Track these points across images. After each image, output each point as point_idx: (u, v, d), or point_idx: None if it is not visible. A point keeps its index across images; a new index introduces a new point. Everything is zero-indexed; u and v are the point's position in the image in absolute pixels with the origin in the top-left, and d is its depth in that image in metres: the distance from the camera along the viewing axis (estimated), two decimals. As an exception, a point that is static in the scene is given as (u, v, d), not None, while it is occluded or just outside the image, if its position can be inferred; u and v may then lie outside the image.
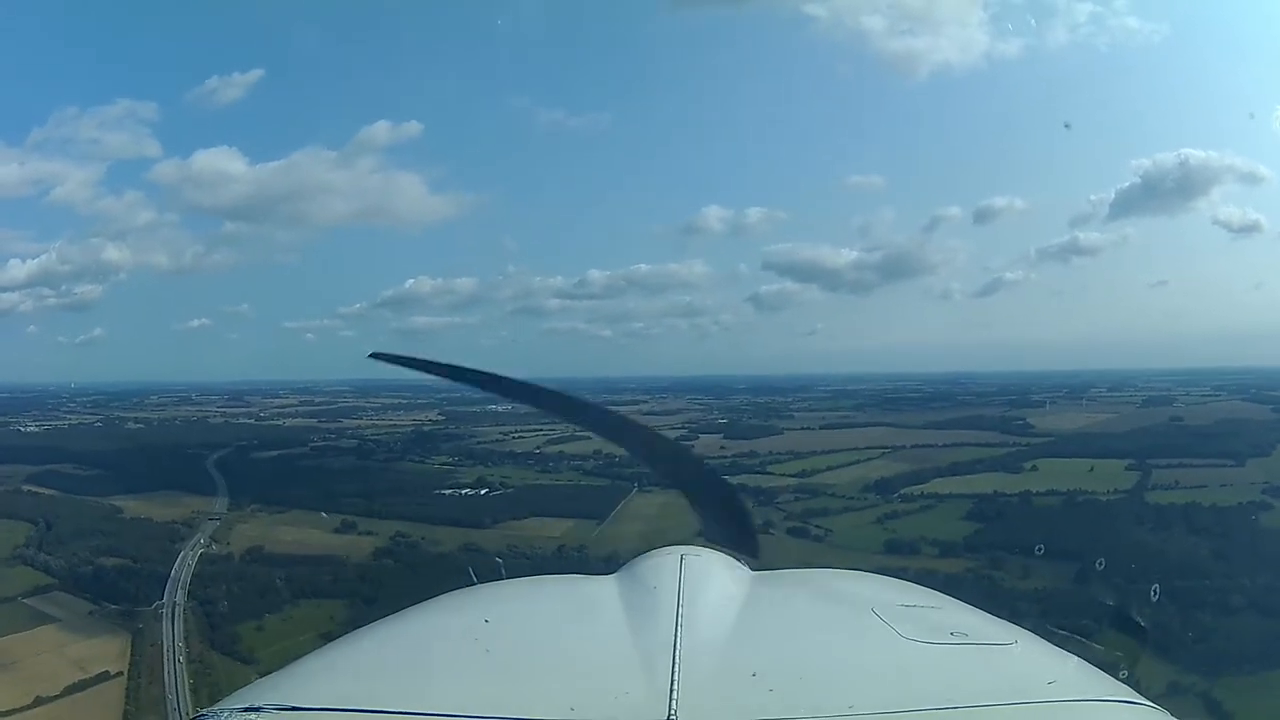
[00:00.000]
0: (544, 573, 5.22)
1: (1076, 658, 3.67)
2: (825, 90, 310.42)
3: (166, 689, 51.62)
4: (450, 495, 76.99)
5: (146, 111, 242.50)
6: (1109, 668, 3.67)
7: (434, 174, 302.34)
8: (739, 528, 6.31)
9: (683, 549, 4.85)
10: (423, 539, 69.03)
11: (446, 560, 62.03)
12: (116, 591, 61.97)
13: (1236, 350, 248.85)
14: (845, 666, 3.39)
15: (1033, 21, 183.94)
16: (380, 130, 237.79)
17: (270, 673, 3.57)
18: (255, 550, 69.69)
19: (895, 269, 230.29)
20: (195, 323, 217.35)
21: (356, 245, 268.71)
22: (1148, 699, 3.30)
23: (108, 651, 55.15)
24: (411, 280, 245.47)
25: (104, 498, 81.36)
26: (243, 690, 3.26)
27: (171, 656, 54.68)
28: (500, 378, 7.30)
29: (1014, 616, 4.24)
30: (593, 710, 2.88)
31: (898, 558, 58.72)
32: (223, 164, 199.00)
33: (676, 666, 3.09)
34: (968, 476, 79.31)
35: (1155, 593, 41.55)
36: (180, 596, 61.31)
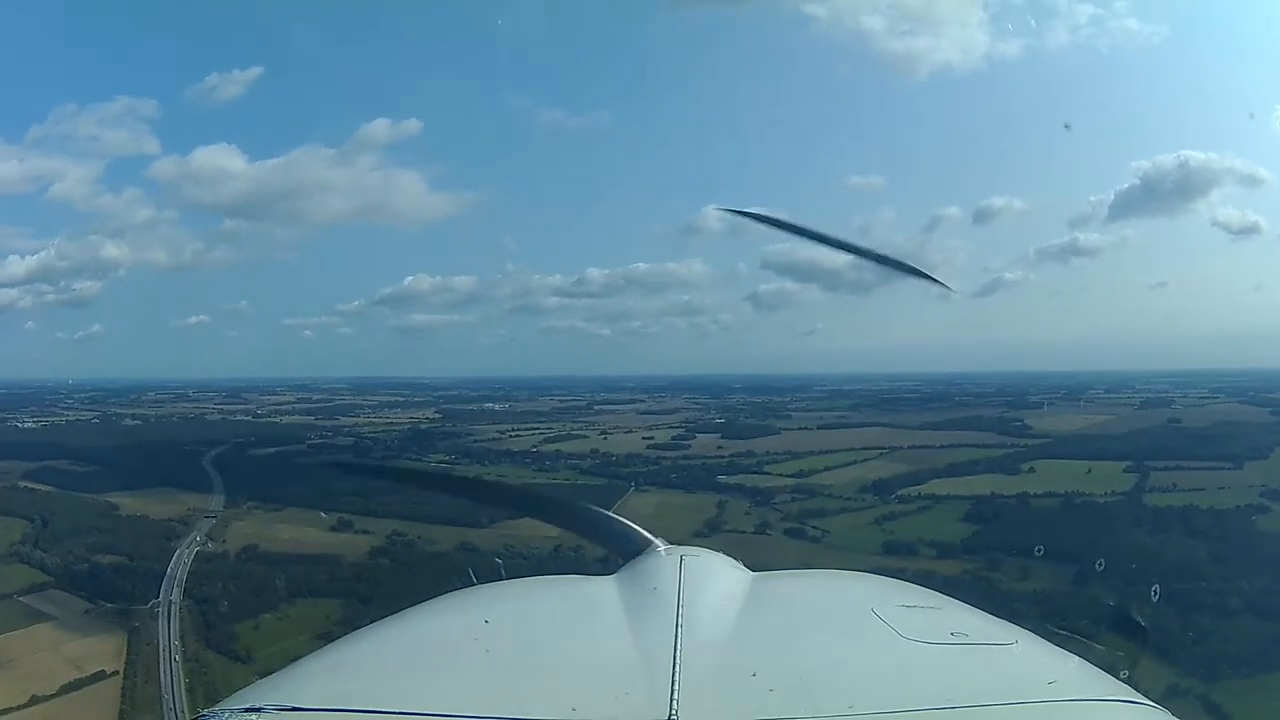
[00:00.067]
0: (540, 573, 5.23)
1: (1077, 658, 3.67)
2: (825, 90, 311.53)
3: (162, 688, 51.49)
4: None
5: (146, 109, 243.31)
6: (1109, 668, 3.66)
7: (433, 172, 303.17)
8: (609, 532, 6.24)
9: (683, 549, 4.89)
10: (419, 538, 68.93)
11: (443, 559, 61.94)
12: (113, 590, 61.81)
13: (1235, 352, 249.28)
14: (845, 666, 3.40)
15: (1033, 22, 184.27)
16: (380, 128, 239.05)
17: (265, 672, 3.59)
18: (251, 548, 69.61)
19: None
20: (194, 319, 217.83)
21: (355, 243, 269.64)
22: (1148, 699, 3.32)
23: (104, 650, 54.98)
24: (410, 278, 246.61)
25: (101, 495, 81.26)
26: (244, 691, 3.27)
27: (167, 655, 54.56)
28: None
29: (1012, 618, 4.23)
30: (593, 710, 2.90)
31: (895, 559, 58.59)
32: (222, 161, 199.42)
33: (677, 667, 3.11)
34: (965, 478, 79.26)
35: (1155, 593, 41.53)
36: (176, 595, 61.17)
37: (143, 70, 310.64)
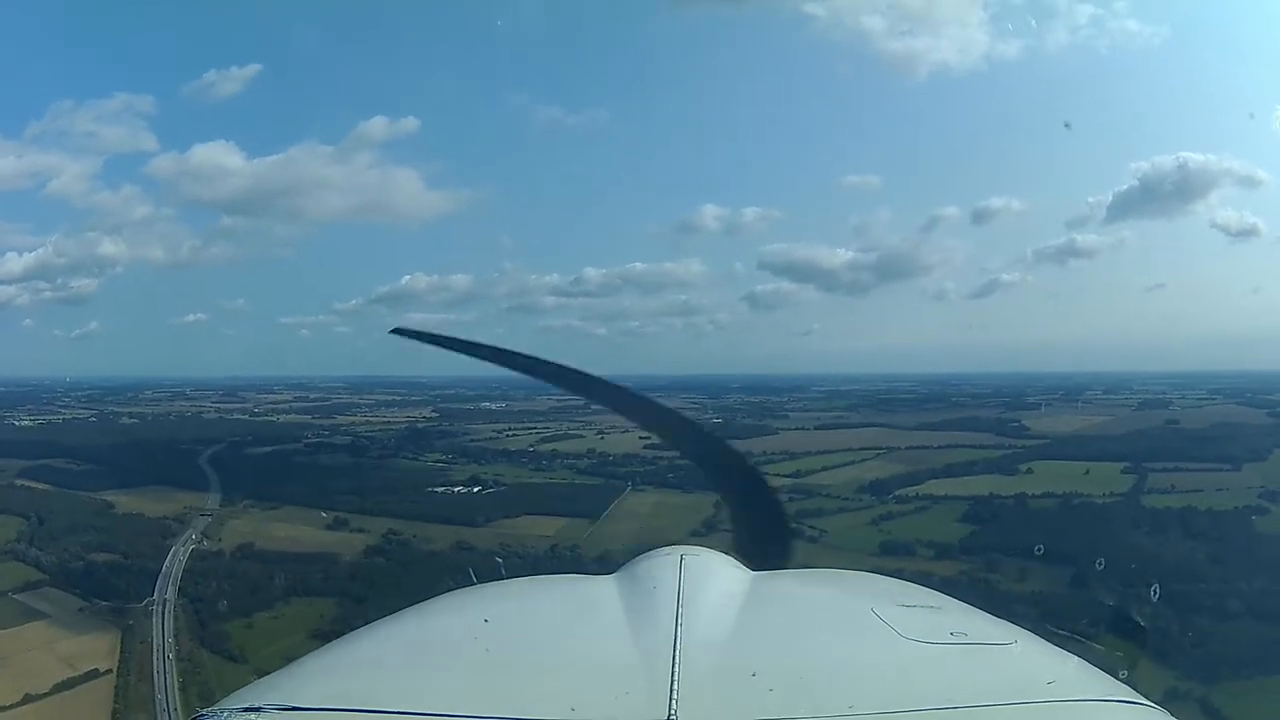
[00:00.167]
0: (536, 572, 5.15)
1: (1076, 658, 3.64)
2: (823, 90, 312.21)
3: (156, 687, 51.39)
4: (443, 493, 76.82)
5: (144, 105, 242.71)
6: (1109, 668, 3.63)
7: (431, 170, 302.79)
8: (772, 533, 6.32)
9: (683, 549, 4.84)
10: (415, 537, 68.92)
11: (439, 558, 61.88)
12: (107, 588, 61.76)
13: (1233, 354, 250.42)
14: (845, 666, 3.39)
15: (1033, 23, 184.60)
16: (377, 125, 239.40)
17: (259, 671, 3.58)
18: (247, 547, 69.52)
19: (891, 269, 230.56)
20: (191, 317, 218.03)
21: (353, 241, 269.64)
22: (1148, 700, 3.30)
23: (98, 649, 54.92)
24: (407, 276, 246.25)
25: (97, 493, 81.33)
26: (243, 690, 3.24)
27: (161, 654, 54.45)
28: (527, 357, 7.05)
29: (1011, 620, 4.17)
30: (593, 710, 2.88)
31: (893, 559, 58.41)
32: (220, 158, 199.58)
33: (676, 666, 3.09)
34: (963, 478, 79.21)
35: (1155, 593, 41.44)
36: (171, 593, 61.10)
37: (141, 67, 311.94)
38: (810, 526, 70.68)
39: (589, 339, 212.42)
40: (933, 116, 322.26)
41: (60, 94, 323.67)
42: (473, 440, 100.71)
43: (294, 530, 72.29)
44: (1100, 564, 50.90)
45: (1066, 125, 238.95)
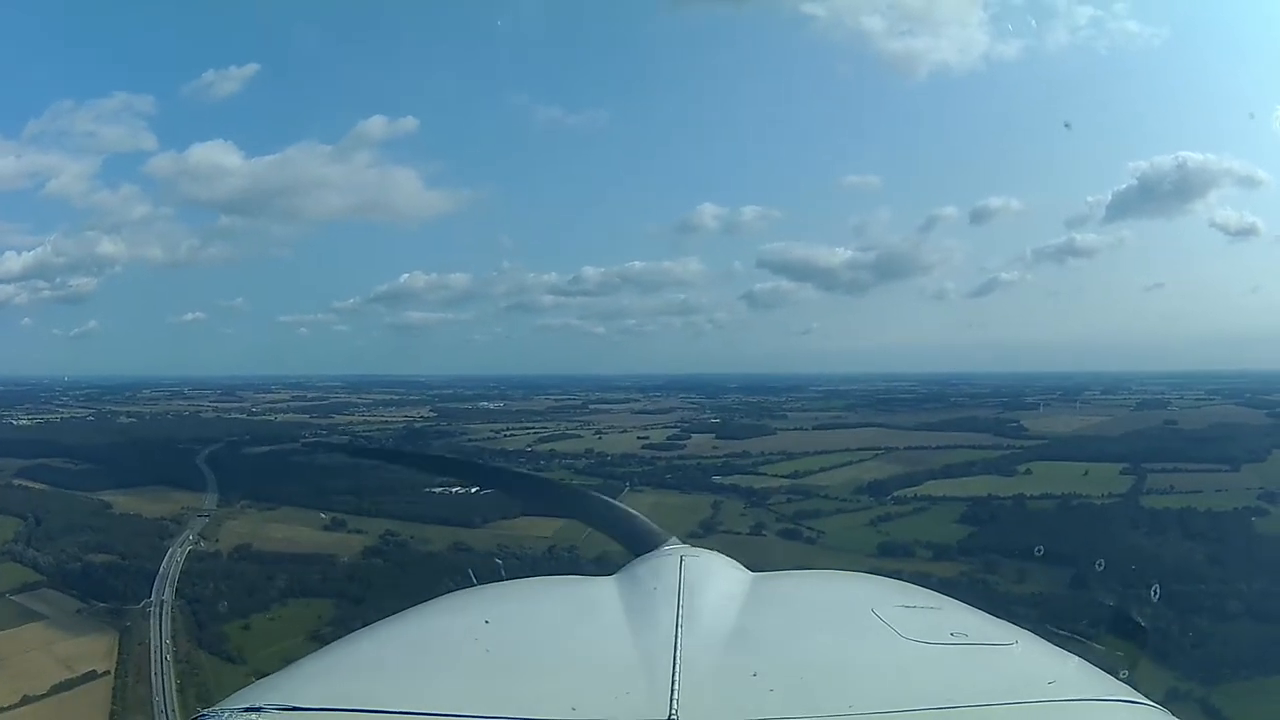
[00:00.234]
0: (534, 573, 5.20)
1: (1077, 658, 3.69)
2: (823, 90, 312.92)
3: (153, 689, 51.27)
4: (440, 493, 76.57)
5: (143, 105, 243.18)
6: (1109, 668, 3.67)
7: (430, 169, 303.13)
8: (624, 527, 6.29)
9: (683, 549, 5.02)
10: (412, 538, 68.76)
11: (436, 559, 61.82)
12: (105, 589, 61.54)
13: (1232, 354, 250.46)
14: (845, 666, 3.43)
15: (1033, 23, 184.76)
16: (376, 125, 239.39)
17: (256, 673, 3.56)
18: (244, 548, 69.26)
19: (890, 269, 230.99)
20: (189, 316, 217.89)
21: (351, 240, 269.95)
22: (1148, 699, 3.34)
23: (95, 650, 54.73)
24: (406, 275, 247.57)
25: (94, 493, 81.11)
26: (243, 690, 3.28)
27: (159, 656, 54.35)
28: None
29: (1011, 620, 4.23)
30: (594, 710, 2.91)
31: (891, 560, 58.22)
32: (218, 158, 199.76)
33: (677, 667, 3.14)
34: (961, 479, 79.06)
35: (1155, 593, 41.42)
36: (168, 594, 60.97)
37: (140, 66, 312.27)
38: (808, 527, 70.77)
39: (587, 338, 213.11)
40: (932, 116, 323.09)
41: (59, 93, 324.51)
42: (470, 440, 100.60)
43: (291, 531, 72.14)
44: (1100, 565, 50.85)
45: (1067, 125, 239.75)
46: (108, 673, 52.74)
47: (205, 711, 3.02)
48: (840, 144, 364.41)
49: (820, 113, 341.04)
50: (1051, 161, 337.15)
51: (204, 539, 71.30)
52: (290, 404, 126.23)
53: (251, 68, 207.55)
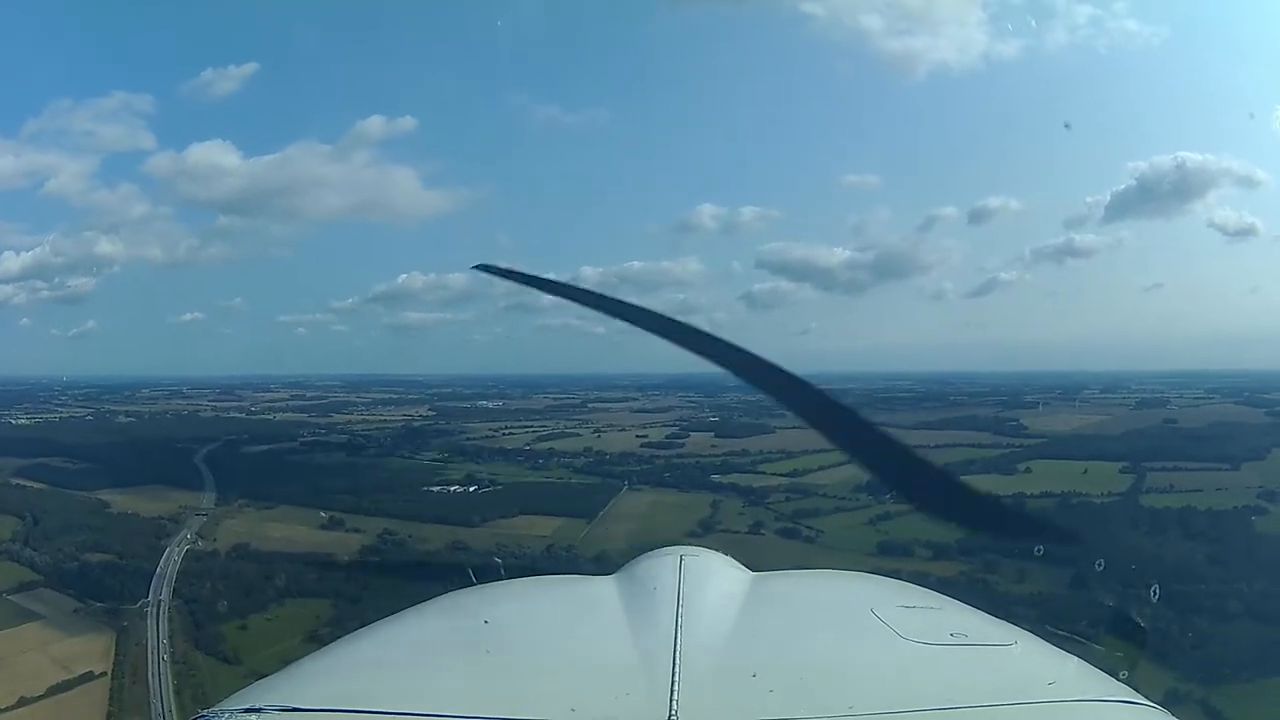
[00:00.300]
0: (532, 573, 5.14)
1: (1076, 658, 3.69)
2: (822, 89, 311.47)
3: (150, 690, 51.21)
4: (439, 492, 76.61)
5: (141, 104, 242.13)
6: (1109, 669, 3.68)
7: (428, 169, 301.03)
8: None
9: (682, 549, 4.97)
10: (410, 537, 68.66)
11: (433, 559, 61.68)
12: (102, 589, 61.53)
13: (1231, 354, 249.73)
14: (845, 666, 3.45)
15: (1032, 23, 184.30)
16: (375, 124, 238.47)
17: (253, 673, 3.63)
18: (241, 547, 69.28)
19: (889, 268, 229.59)
20: (188, 316, 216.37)
21: (350, 239, 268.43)
22: (1148, 700, 3.34)
23: (92, 650, 54.69)
24: (404, 275, 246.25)
25: (92, 492, 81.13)
26: (243, 691, 3.29)
27: (156, 656, 54.29)
28: (632, 307, 6.64)
29: (1010, 621, 4.23)
30: (593, 710, 2.92)
31: (890, 559, 58.07)
32: (217, 157, 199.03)
33: (677, 667, 3.15)
34: (961, 478, 78.63)
35: (1155, 593, 41.40)
36: (166, 594, 60.92)
37: (139, 66, 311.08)
38: (807, 526, 70.79)
39: (587, 338, 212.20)
40: (931, 116, 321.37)
41: (58, 93, 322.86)
42: (469, 439, 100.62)
43: (289, 530, 72.13)
44: (1100, 565, 50.79)
45: (1067, 126, 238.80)
46: (104, 673, 52.70)
47: (205, 712, 3.01)
48: (839, 144, 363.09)
49: (819, 112, 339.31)
50: (1050, 161, 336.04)
51: (202, 538, 71.31)
52: (289, 403, 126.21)
53: (250, 67, 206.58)
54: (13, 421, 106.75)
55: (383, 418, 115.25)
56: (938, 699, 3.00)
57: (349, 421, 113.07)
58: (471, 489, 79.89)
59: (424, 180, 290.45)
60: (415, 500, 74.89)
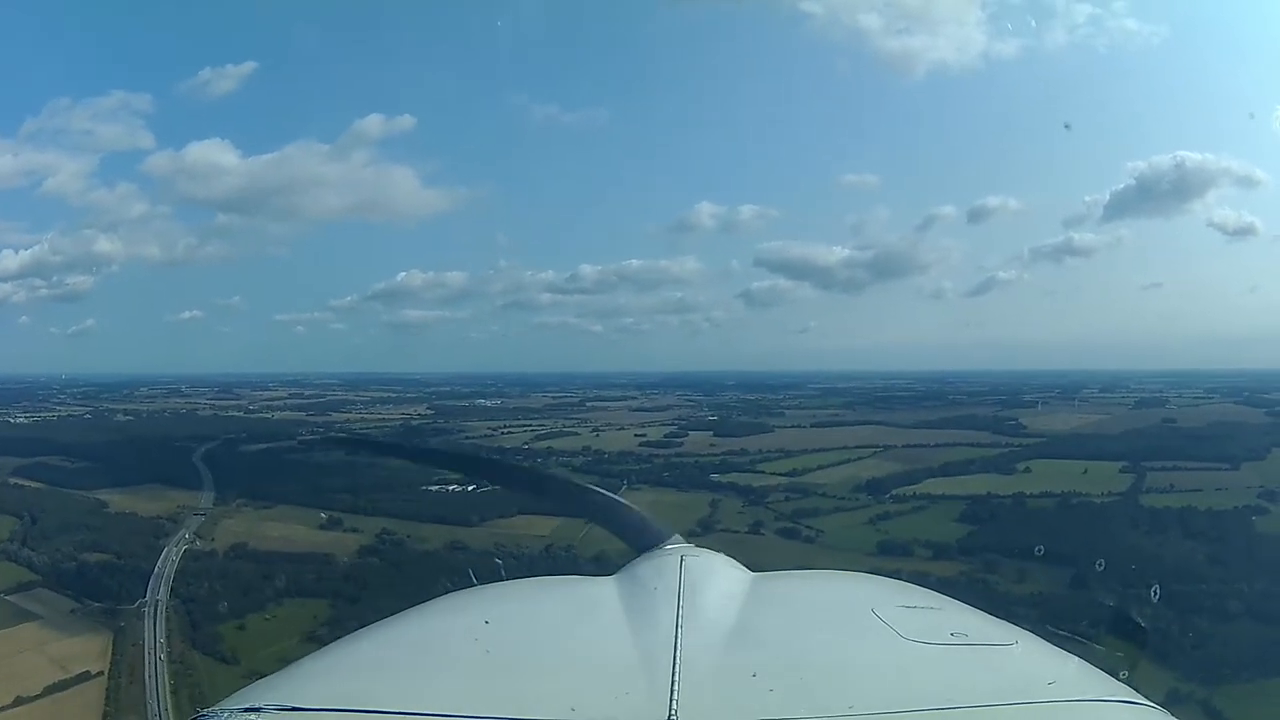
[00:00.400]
0: (531, 573, 5.09)
1: (1077, 658, 3.67)
2: (821, 88, 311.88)
3: (147, 690, 51.14)
4: (437, 491, 76.42)
5: (140, 103, 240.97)
6: (1109, 669, 3.66)
7: (427, 168, 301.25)
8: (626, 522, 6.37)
9: (683, 549, 5.02)
10: (408, 536, 68.72)
11: (432, 558, 61.70)
12: (99, 588, 61.48)
13: (1230, 353, 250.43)
14: (845, 666, 3.43)
15: (1031, 22, 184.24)
16: (373, 123, 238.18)
17: (251, 673, 3.45)
18: (239, 547, 69.19)
19: (888, 267, 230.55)
20: (187, 315, 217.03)
21: (348, 238, 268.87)
22: (1148, 700, 3.33)
23: (89, 650, 54.66)
24: (403, 273, 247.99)
25: (90, 491, 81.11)
26: (243, 690, 3.27)
27: (153, 656, 54.23)
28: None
29: (1011, 620, 4.20)
30: (593, 711, 2.91)
31: (890, 559, 58.10)
32: (215, 156, 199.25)
33: (677, 667, 3.14)
34: (960, 477, 78.96)
35: (1155, 593, 41.38)
36: (163, 594, 60.83)
37: (137, 65, 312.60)
38: (806, 526, 70.64)
39: (585, 336, 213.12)
40: (930, 115, 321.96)
41: (57, 91, 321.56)
42: (468, 437, 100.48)
43: (287, 530, 72.06)
44: (1100, 565, 50.79)
45: (1066, 126, 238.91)
46: (101, 673, 52.71)
47: (204, 712, 3.00)
48: (838, 143, 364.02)
49: (818, 111, 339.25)
50: (1049, 161, 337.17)
51: (200, 538, 71.26)
52: (287, 402, 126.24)
53: (249, 66, 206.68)
54: (11, 420, 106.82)
55: (381, 416, 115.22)
56: (938, 699, 2.99)
57: (348, 420, 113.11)
58: (470, 488, 79.72)
59: (423, 179, 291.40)
60: (414, 500, 74.78)
